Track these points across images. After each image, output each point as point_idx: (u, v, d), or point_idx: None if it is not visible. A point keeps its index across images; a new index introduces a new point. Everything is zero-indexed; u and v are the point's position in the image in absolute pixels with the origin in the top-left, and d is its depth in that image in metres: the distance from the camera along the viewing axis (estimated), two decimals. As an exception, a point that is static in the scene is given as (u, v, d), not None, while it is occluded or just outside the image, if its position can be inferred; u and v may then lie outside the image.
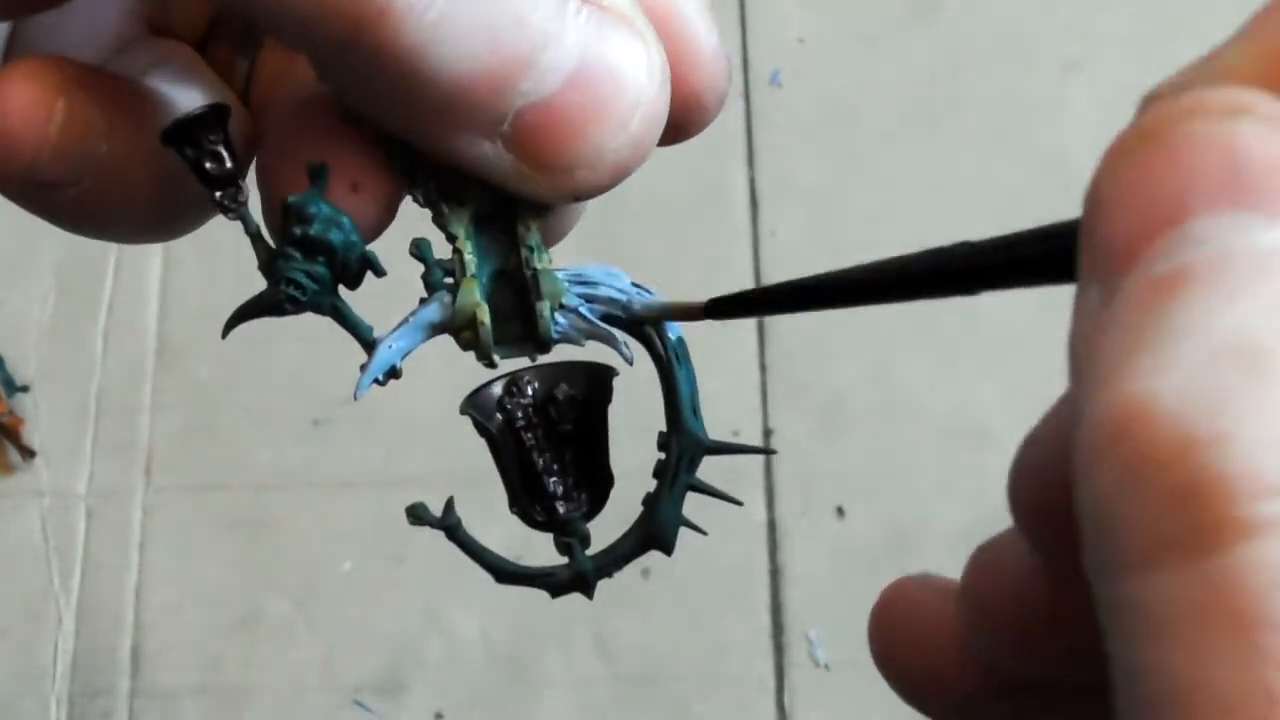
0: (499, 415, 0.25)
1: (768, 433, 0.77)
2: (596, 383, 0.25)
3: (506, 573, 0.25)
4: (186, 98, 0.24)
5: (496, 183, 0.22)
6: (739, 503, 0.27)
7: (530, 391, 0.25)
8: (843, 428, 0.78)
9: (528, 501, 0.25)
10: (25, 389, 0.79)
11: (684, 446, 0.25)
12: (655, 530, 0.25)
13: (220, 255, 0.81)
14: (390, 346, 0.24)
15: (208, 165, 0.22)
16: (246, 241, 0.23)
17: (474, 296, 0.23)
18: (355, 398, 0.24)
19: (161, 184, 0.24)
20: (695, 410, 0.25)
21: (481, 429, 0.25)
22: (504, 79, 0.20)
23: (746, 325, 0.80)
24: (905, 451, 0.78)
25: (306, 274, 0.23)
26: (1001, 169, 0.84)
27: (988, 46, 0.87)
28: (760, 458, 0.76)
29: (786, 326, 0.80)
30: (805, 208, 0.83)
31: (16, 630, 0.75)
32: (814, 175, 0.84)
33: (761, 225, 0.82)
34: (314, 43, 0.20)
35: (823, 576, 0.75)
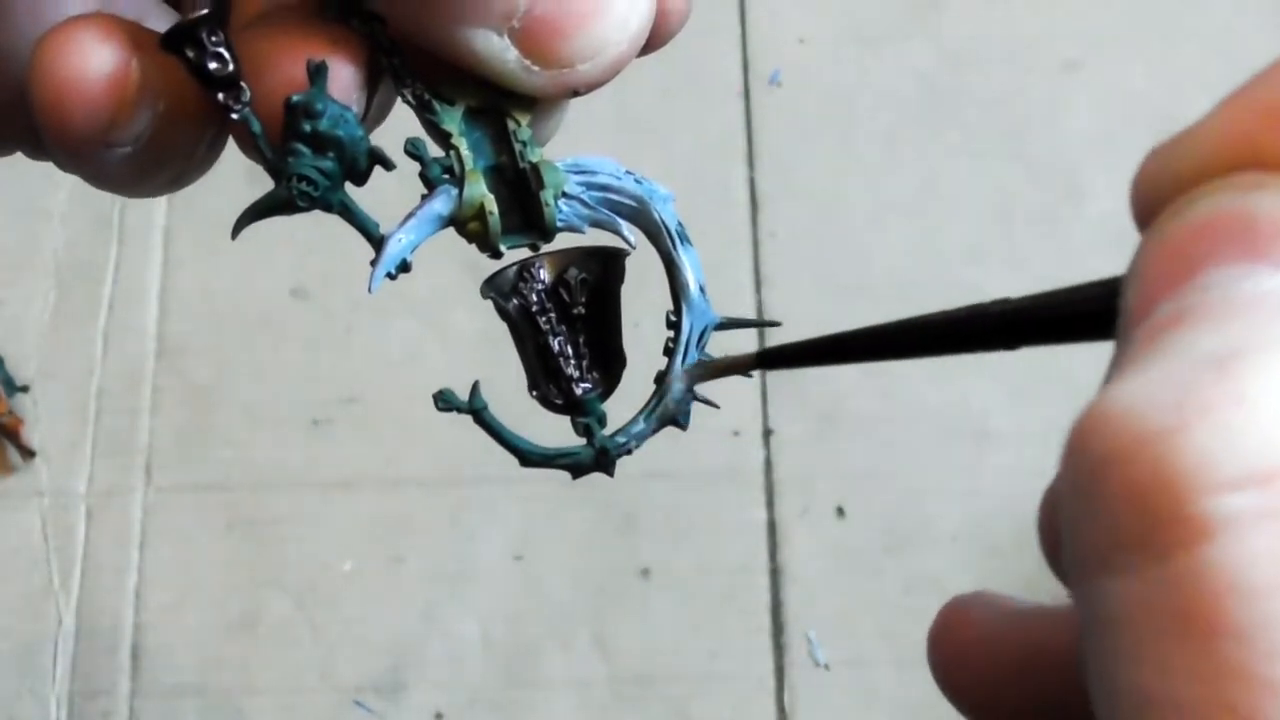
0: (516, 299, 0.25)
1: (768, 433, 0.77)
2: (607, 265, 0.26)
3: (531, 455, 0.26)
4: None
5: (497, 78, 0.23)
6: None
7: (543, 276, 0.25)
8: (843, 428, 0.78)
9: (545, 384, 0.26)
10: (25, 389, 0.79)
11: (693, 322, 0.26)
12: (670, 405, 0.26)
13: (220, 255, 0.81)
14: (400, 240, 0.24)
15: (212, 66, 0.23)
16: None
17: (480, 188, 0.24)
18: (370, 291, 0.25)
19: (198, 135, 0.24)
20: (702, 288, 0.26)
21: (501, 311, 0.26)
22: None
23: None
24: (905, 451, 0.78)
25: (317, 169, 0.23)
26: (1001, 169, 0.84)
27: (988, 46, 0.87)
28: (760, 458, 0.76)
29: (786, 326, 0.80)
30: (805, 208, 0.83)
31: (16, 630, 0.75)
32: (814, 175, 0.84)
33: (761, 225, 0.82)
34: None
35: (823, 576, 0.75)
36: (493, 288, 0.25)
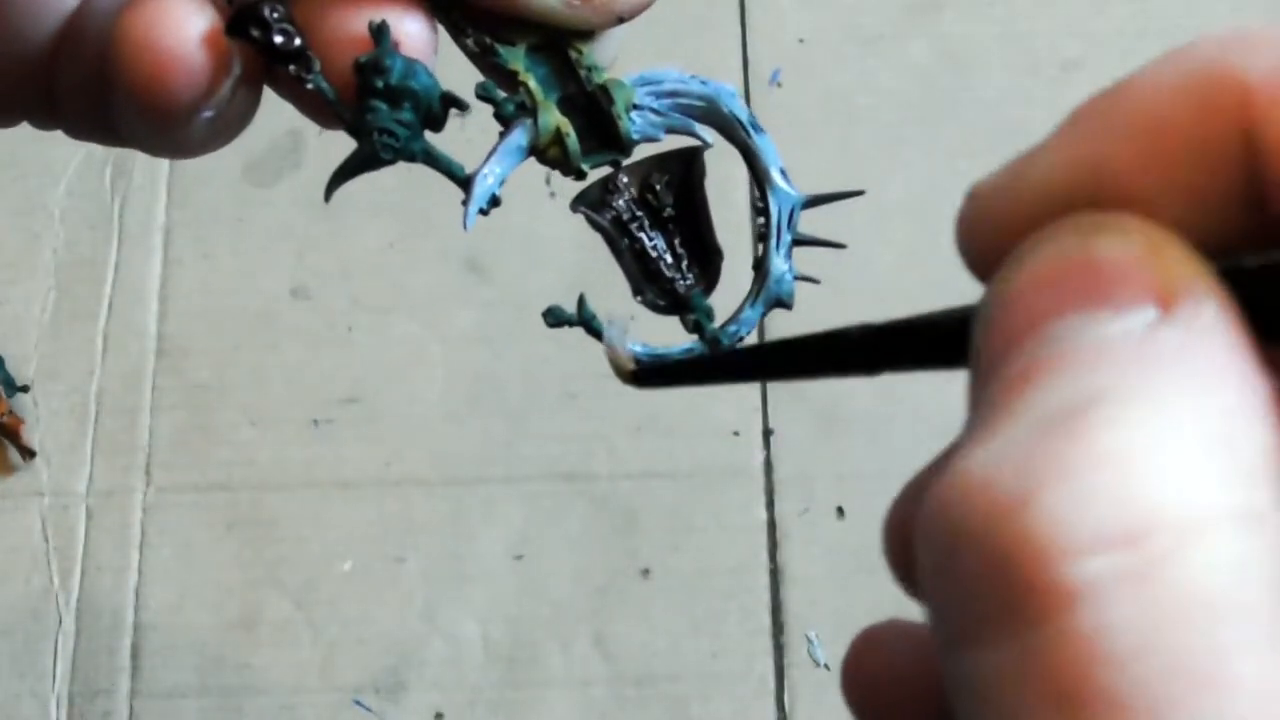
0: (608, 211, 0.26)
1: (768, 433, 0.77)
2: (687, 163, 0.27)
3: (647, 361, 0.26)
4: None
5: (545, 19, 0.23)
6: (842, 245, 0.29)
7: (628, 186, 0.26)
8: (843, 428, 0.78)
9: (648, 288, 0.26)
10: (25, 389, 0.79)
11: (780, 205, 0.27)
12: (774, 287, 0.27)
13: (220, 255, 0.81)
14: (487, 177, 0.25)
15: (278, 41, 0.23)
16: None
17: (554, 114, 0.25)
18: (465, 228, 0.25)
19: (259, 96, 0.25)
20: (782, 171, 0.27)
21: (594, 224, 0.26)
22: None
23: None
24: (905, 451, 0.77)
25: (396, 122, 0.24)
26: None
27: (988, 46, 0.87)
28: (760, 458, 0.77)
29: (786, 326, 0.80)
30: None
31: (16, 630, 0.75)
32: (814, 175, 0.84)
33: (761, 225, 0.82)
34: None
35: (823, 576, 0.75)
36: (584, 202, 0.26)
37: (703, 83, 0.26)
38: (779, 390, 0.78)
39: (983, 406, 0.16)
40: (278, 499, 0.77)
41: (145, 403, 0.79)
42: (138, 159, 0.84)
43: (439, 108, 0.24)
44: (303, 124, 0.92)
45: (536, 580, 0.75)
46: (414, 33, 0.24)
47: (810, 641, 0.73)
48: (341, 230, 0.82)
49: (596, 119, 0.25)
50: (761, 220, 0.26)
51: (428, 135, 0.25)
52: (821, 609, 0.74)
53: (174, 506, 0.77)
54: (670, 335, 0.27)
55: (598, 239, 0.27)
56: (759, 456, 0.77)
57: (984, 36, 0.88)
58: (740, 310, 0.26)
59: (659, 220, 0.26)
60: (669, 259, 0.26)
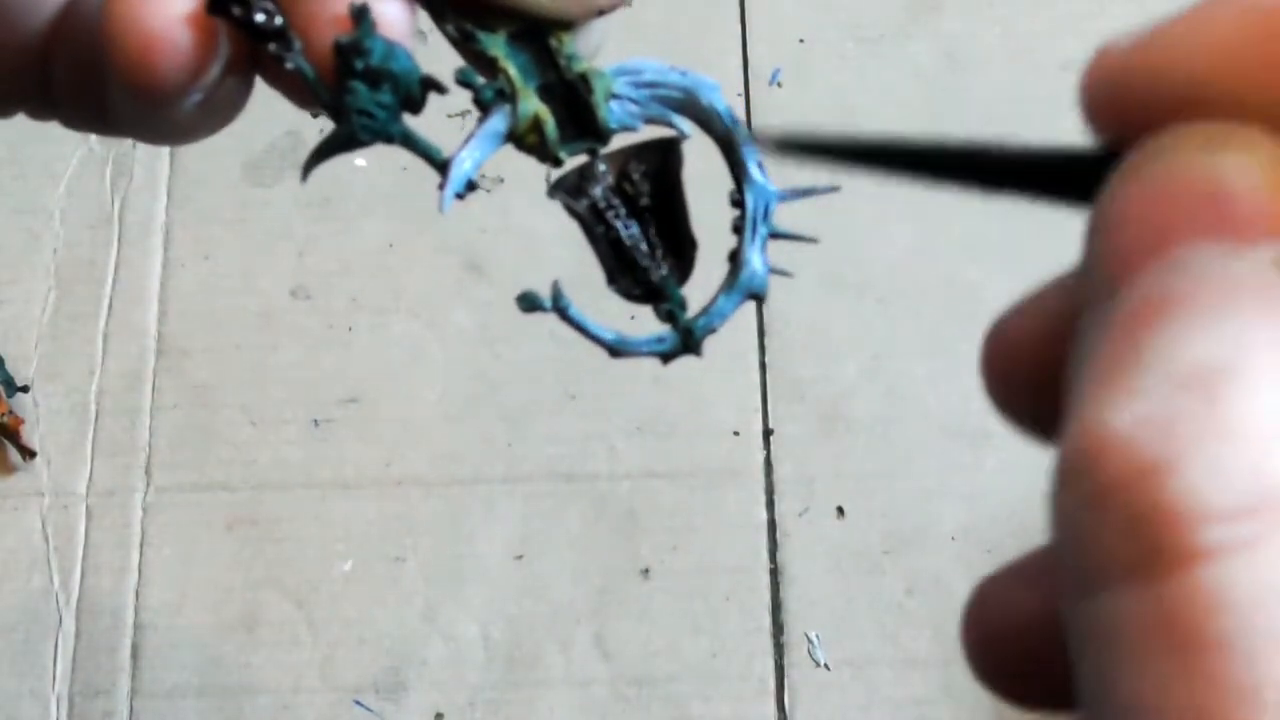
0: (584, 199, 0.26)
1: (768, 433, 0.77)
2: (665, 154, 0.27)
3: (620, 346, 0.27)
4: None
5: (528, 9, 0.23)
6: (815, 240, 0.29)
7: (605, 174, 0.26)
8: (843, 428, 0.78)
9: (623, 276, 0.27)
10: (25, 389, 0.79)
11: (757, 199, 0.27)
12: (747, 280, 0.27)
13: (220, 256, 0.81)
14: (464, 160, 0.25)
15: (259, 19, 0.23)
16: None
17: (534, 101, 0.25)
18: (441, 211, 0.25)
19: (250, 79, 0.25)
20: (760, 165, 0.27)
21: (571, 211, 0.26)
22: None
23: (747, 325, 0.80)
24: (905, 451, 0.78)
25: (375, 103, 0.24)
26: (1001, 169, 0.83)
27: (988, 46, 0.87)
28: (760, 458, 0.76)
29: (787, 326, 0.80)
30: (805, 207, 0.83)
31: (16, 630, 0.75)
32: (814, 175, 0.84)
33: (761, 225, 0.82)
34: None
35: (823, 576, 0.75)
36: (561, 188, 0.26)
37: (682, 74, 0.26)
38: (779, 390, 0.78)
39: (1113, 336, 0.16)
40: (278, 499, 0.77)
41: (145, 403, 0.79)
42: (138, 159, 0.84)
43: (418, 91, 0.24)
44: (302, 125, 0.92)
45: (536, 580, 0.75)
46: (393, 15, 0.24)
47: (810, 641, 0.73)
48: (341, 230, 0.82)
49: (575, 107, 0.25)
50: (738, 213, 0.27)
51: (407, 118, 0.25)
52: (821, 609, 0.74)
53: (174, 506, 0.77)
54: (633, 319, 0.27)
55: None
56: (759, 456, 0.77)
57: (984, 36, 0.88)
58: (714, 301, 0.27)
59: (635, 209, 0.26)
60: (644, 248, 0.27)
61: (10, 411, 0.77)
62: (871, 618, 0.74)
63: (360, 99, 0.24)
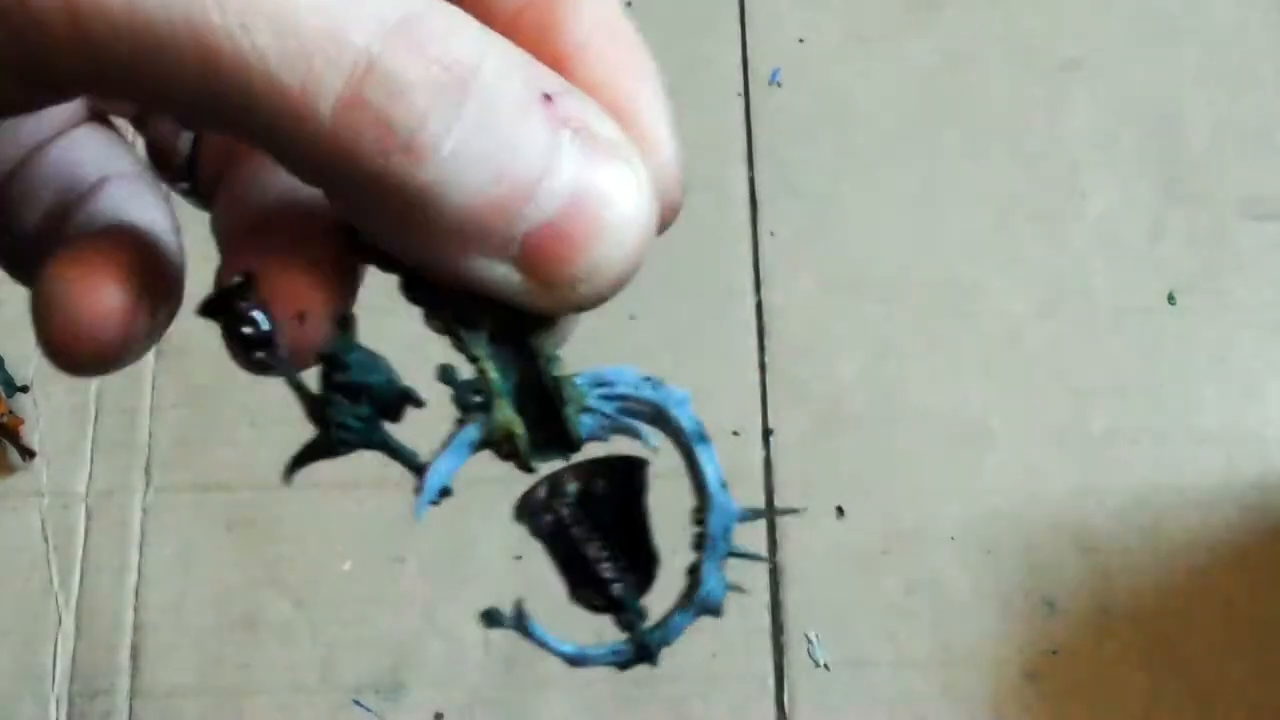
0: (548, 516, 0.27)
1: (768, 433, 0.77)
2: (629, 474, 0.28)
3: (578, 658, 0.28)
4: (146, 216, 0.27)
5: (508, 300, 0.24)
6: (767, 559, 0.30)
7: (570, 489, 0.27)
8: (843, 428, 0.78)
9: (585, 590, 0.28)
10: (25, 389, 0.79)
11: (718, 518, 0.28)
12: (704, 597, 0.28)
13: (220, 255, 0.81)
14: (438, 470, 0.26)
15: (245, 330, 0.24)
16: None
17: (507, 413, 0.25)
18: (416, 520, 0.26)
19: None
20: (723, 484, 0.27)
21: (535, 531, 0.28)
22: (509, 206, 0.22)
23: (746, 324, 0.80)
24: (905, 451, 0.78)
25: (354, 416, 0.26)
26: (1001, 169, 0.84)
27: (988, 46, 0.87)
28: (759, 456, 0.76)
29: (787, 326, 0.80)
30: (805, 208, 0.83)
31: (16, 630, 0.75)
32: (814, 175, 0.84)
33: (761, 225, 0.82)
34: (336, 184, 0.22)
35: (823, 576, 0.75)
36: (526, 511, 0.27)
37: (654, 388, 0.26)
38: (779, 390, 0.78)
39: None
40: (278, 499, 0.77)
41: (145, 403, 0.79)
42: (138, 159, 0.84)
43: (395, 403, 0.25)
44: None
45: (536, 580, 0.75)
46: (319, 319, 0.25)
47: (810, 641, 0.73)
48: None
49: (548, 411, 0.26)
50: (698, 530, 0.27)
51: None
52: (821, 609, 0.74)
53: (174, 506, 0.77)
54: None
55: None
56: (759, 456, 0.77)
57: (984, 36, 0.88)
58: (670, 615, 0.28)
59: (599, 525, 0.27)
60: (607, 564, 0.27)
61: (10, 411, 0.77)
62: (871, 617, 0.74)
63: (340, 411, 0.25)
